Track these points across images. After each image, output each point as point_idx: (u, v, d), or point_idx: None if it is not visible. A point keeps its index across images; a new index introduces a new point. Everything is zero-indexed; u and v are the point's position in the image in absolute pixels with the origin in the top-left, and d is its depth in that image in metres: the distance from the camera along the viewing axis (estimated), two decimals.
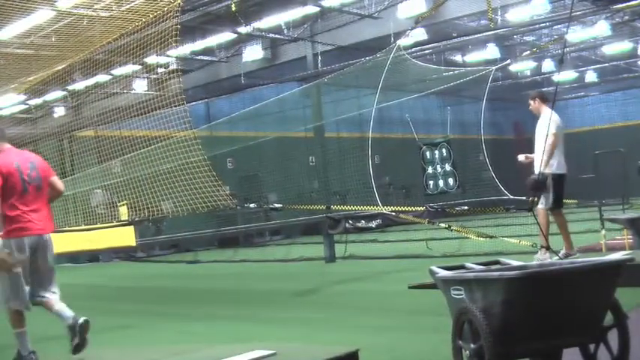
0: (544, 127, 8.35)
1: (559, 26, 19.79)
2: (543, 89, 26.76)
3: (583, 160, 14.04)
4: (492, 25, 15.98)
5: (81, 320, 5.54)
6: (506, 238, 11.05)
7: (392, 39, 15.30)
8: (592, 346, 4.18)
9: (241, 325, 7.85)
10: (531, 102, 9.05)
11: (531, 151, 9.10)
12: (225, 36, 18.57)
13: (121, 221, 11.82)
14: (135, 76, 16.81)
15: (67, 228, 12.73)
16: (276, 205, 16.86)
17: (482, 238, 11.25)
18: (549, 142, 8.37)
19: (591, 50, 24.42)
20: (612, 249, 9.12)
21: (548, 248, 8.10)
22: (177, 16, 9.32)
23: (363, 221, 20.34)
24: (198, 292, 11.95)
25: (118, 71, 13.74)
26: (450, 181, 18.53)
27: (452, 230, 11.21)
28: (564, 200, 9.07)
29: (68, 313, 5.66)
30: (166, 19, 9.36)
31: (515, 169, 10.37)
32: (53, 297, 5.80)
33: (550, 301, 3.86)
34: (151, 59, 12.37)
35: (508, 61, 19.68)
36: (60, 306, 5.72)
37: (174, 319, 8.69)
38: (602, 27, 19.08)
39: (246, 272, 14.84)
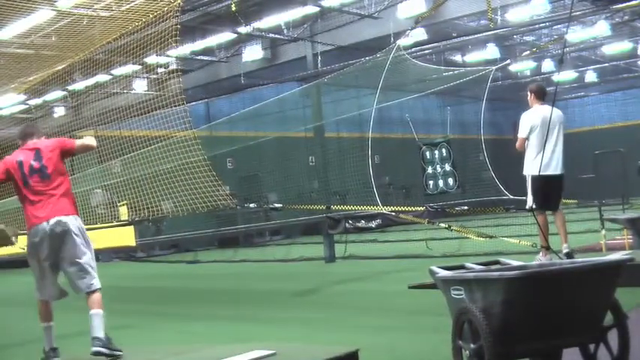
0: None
1: (559, 26, 19.79)
2: None
3: (583, 160, 14.06)
4: (492, 25, 15.98)
5: (93, 349, 5.36)
6: (506, 238, 11.05)
7: (392, 39, 15.29)
8: (592, 346, 4.18)
9: (241, 325, 7.85)
10: (528, 94, 9.06)
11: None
12: (225, 36, 18.57)
13: (121, 221, 11.82)
14: (135, 76, 16.81)
15: None
16: (276, 205, 16.86)
17: (482, 238, 11.25)
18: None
19: (591, 50, 24.41)
20: (612, 249, 9.12)
21: (548, 248, 8.08)
22: (177, 16, 9.32)
23: (362, 221, 20.35)
24: (198, 292, 11.96)
25: (118, 71, 13.74)
26: (450, 181, 18.52)
27: (452, 230, 11.21)
28: (564, 200, 9.05)
29: (96, 330, 5.43)
30: (166, 19, 9.36)
31: (516, 169, 10.36)
32: (90, 297, 5.52)
33: (550, 301, 3.86)
34: (151, 59, 12.37)
35: (508, 61, 19.68)
36: (93, 312, 5.48)
37: (174, 319, 8.70)
38: (602, 27, 19.08)
39: (246, 272, 14.84)
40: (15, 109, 16.72)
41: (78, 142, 5.91)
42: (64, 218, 5.57)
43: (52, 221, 5.51)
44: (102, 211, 12.24)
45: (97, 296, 5.56)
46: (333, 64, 17.99)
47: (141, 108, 11.10)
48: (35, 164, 5.63)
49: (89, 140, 6.00)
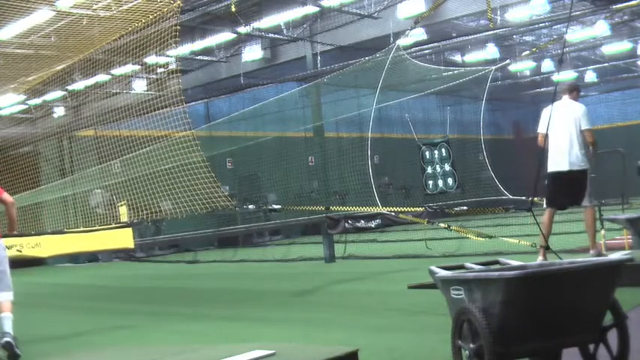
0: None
1: (558, 26, 19.82)
2: (542, 89, 26.86)
3: None
4: (492, 25, 16.00)
5: (4, 340, 5.95)
6: (505, 238, 11.04)
7: (391, 39, 15.32)
8: (592, 346, 4.19)
9: (241, 325, 7.84)
10: None
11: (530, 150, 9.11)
12: (224, 36, 18.58)
13: (120, 223, 11.82)
14: (135, 76, 16.81)
15: (66, 229, 12.71)
16: (275, 207, 16.85)
17: (481, 238, 11.24)
18: None
19: (591, 50, 24.45)
20: (612, 249, 9.12)
21: (547, 248, 8.08)
22: (177, 17, 9.32)
23: (362, 221, 20.33)
24: (198, 292, 11.95)
25: (118, 71, 13.74)
26: (450, 181, 18.56)
27: (451, 230, 11.20)
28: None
29: (6, 327, 6.05)
30: (166, 20, 9.37)
31: (515, 169, 10.39)
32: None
33: (550, 301, 3.86)
34: (151, 59, 12.37)
35: (507, 61, 19.71)
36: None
37: (175, 319, 8.69)
38: (601, 27, 19.10)
39: (246, 272, 14.83)
40: (15, 109, 16.72)
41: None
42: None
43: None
44: (101, 212, 12.25)
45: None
46: (333, 64, 18.01)
47: (141, 108, 11.11)
48: None
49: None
